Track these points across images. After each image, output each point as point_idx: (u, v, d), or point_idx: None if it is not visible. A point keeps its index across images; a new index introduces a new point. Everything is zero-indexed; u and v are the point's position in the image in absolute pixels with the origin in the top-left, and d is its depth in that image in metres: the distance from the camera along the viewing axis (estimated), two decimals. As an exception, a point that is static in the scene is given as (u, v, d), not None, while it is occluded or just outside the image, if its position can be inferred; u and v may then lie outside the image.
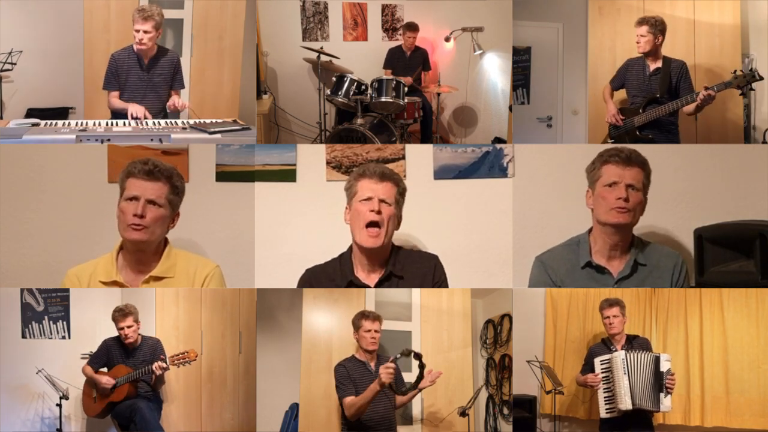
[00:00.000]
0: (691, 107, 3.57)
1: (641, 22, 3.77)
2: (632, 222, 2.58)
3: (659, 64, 3.78)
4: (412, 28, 5.46)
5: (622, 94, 4.05)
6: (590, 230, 2.70)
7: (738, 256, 2.85)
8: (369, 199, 2.59)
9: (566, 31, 4.65)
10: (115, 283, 2.56)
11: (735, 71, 3.41)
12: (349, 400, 2.95)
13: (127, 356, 3.37)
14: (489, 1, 5.51)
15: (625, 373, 3.05)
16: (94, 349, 3.45)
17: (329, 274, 2.68)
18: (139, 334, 3.41)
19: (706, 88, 3.42)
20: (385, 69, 5.53)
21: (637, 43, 3.78)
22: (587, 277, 2.65)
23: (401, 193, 2.67)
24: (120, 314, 3.35)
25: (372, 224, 2.56)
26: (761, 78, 3.34)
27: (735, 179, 3.29)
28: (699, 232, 2.94)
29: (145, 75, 3.88)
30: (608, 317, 3.25)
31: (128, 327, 3.35)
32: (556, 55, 4.70)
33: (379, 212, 2.56)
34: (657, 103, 3.72)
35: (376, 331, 3.10)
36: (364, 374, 3.07)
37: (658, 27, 3.74)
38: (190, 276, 2.58)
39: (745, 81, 3.36)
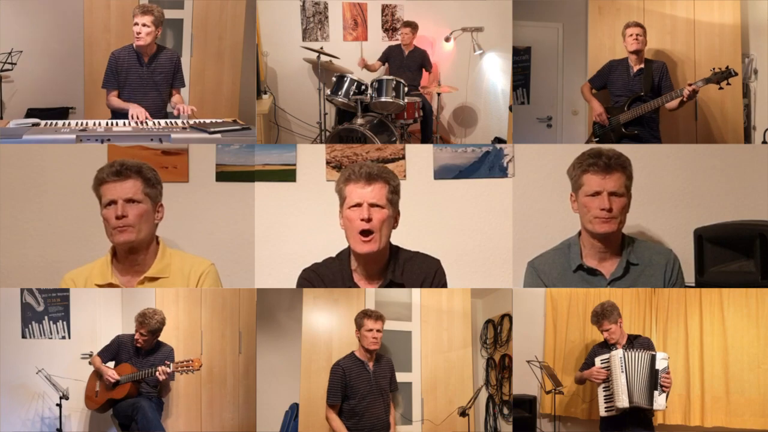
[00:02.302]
0: (674, 103, 3.79)
1: (636, 24, 3.98)
2: (618, 228, 2.54)
3: (642, 64, 3.99)
4: (409, 24, 5.46)
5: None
6: (580, 232, 2.68)
7: (738, 256, 2.85)
8: (358, 205, 2.39)
9: (566, 31, 4.65)
10: (110, 285, 2.56)
11: (713, 68, 3.63)
12: (335, 423, 3.01)
13: (137, 357, 3.32)
14: (489, 1, 5.50)
15: (622, 371, 3.05)
16: (94, 349, 3.44)
17: (327, 277, 2.52)
18: (156, 340, 3.36)
19: (690, 84, 3.68)
20: (378, 62, 5.51)
21: (635, 40, 3.95)
22: (580, 279, 2.62)
23: (394, 190, 2.44)
24: (137, 322, 3.29)
25: (364, 232, 2.39)
26: (736, 74, 3.62)
27: (735, 179, 3.30)
28: (699, 232, 2.94)
29: (146, 72, 3.88)
30: (602, 331, 3.23)
31: (141, 335, 3.28)
32: (556, 55, 4.70)
33: (369, 219, 2.37)
34: (641, 101, 3.91)
35: (378, 330, 3.08)
36: (361, 374, 3.06)
37: (644, 30, 3.97)
38: (185, 275, 2.58)
39: (723, 77, 3.59)
